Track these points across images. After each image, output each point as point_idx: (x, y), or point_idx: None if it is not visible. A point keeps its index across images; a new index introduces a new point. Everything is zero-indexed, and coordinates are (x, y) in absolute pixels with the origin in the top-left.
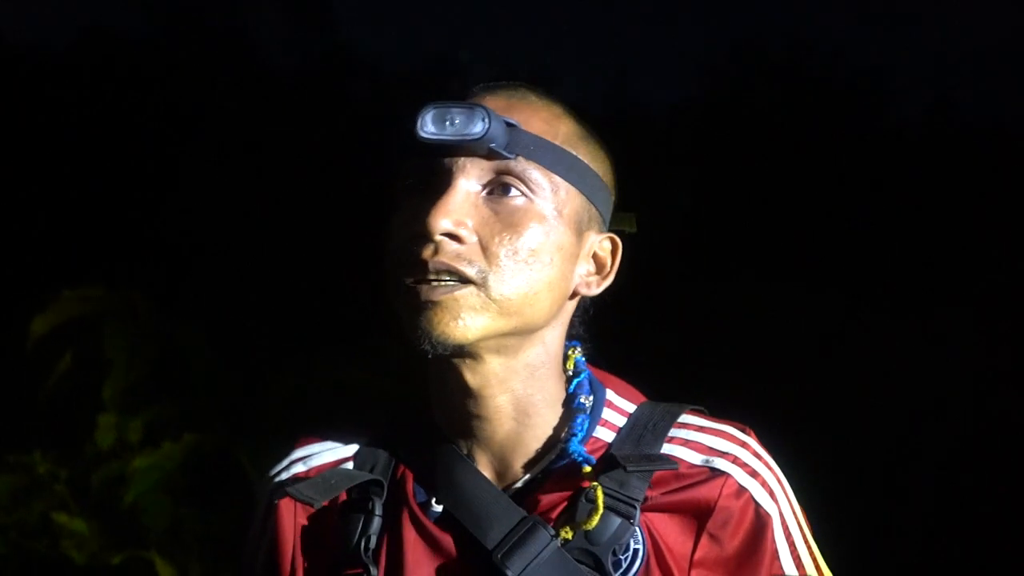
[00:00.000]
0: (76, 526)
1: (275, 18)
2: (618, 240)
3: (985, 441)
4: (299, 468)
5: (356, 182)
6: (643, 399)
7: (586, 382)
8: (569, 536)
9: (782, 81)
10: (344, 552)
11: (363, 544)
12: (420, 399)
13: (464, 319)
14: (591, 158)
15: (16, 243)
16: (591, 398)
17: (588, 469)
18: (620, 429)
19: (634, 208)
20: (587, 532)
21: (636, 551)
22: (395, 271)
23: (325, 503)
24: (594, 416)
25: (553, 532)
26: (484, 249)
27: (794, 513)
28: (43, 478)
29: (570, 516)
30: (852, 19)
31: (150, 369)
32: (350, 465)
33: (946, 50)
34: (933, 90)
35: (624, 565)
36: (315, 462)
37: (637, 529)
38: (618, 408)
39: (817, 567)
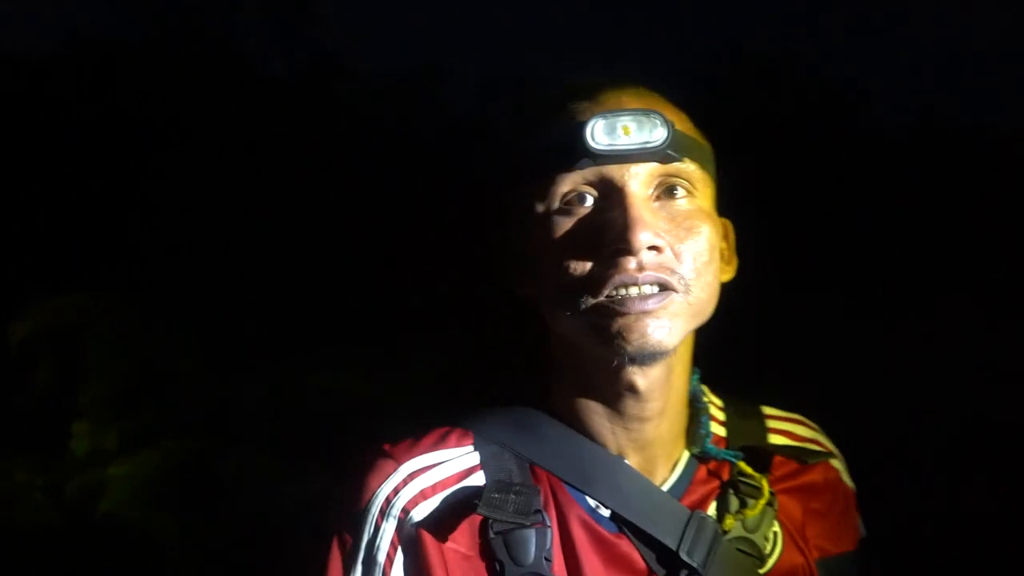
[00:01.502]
0: (53, 533)
1: (267, 21)
2: (730, 223)
3: (985, 441)
4: (422, 483)
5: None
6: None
7: (698, 380)
8: (730, 526)
9: (770, 85)
10: (518, 572)
11: (543, 560)
12: (536, 398)
13: (672, 326)
14: (707, 142)
15: (4, 245)
16: (705, 397)
17: (743, 464)
18: (725, 423)
19: None
20: (745, 520)
21: (776, 533)
22: (575, 287)
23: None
24: (707, 413)
25: (717, 524)
26: (677, 255)
27: None
28: (21, 485)
29: (724, 507)
30: (840, 22)
31: (128, 375)
32: (481, 475)
33: (936, 52)
34: (924, 93)
35: (771, 547)
36: (439, 475)
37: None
38: (714, 404)
39: None
